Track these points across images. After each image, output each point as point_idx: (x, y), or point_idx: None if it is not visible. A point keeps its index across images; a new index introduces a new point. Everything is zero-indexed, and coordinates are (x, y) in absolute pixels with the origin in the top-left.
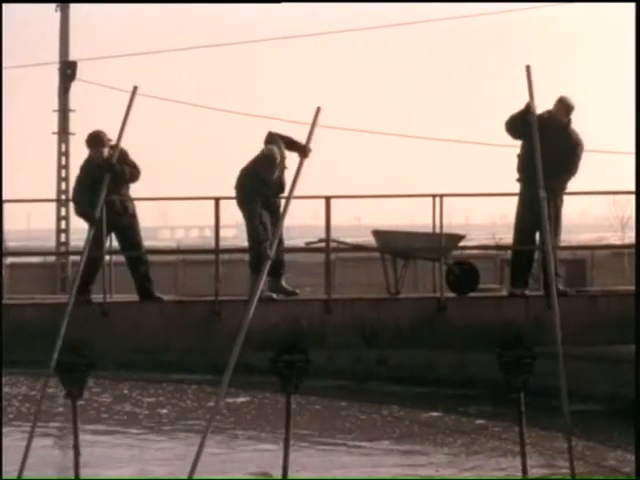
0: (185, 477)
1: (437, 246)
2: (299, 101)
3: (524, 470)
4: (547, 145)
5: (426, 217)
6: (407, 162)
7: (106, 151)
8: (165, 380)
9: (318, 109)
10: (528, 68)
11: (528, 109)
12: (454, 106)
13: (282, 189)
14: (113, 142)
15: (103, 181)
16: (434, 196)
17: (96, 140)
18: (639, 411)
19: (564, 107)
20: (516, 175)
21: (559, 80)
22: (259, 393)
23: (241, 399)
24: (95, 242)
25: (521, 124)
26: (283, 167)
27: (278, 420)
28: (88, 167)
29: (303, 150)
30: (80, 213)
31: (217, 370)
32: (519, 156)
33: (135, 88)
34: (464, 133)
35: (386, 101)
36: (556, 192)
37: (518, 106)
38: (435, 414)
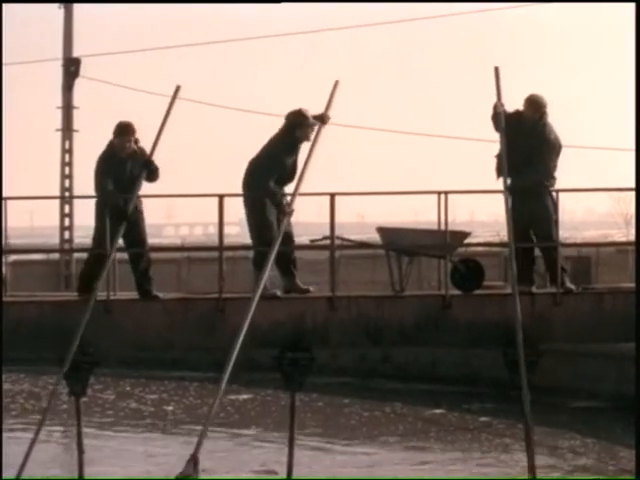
0: (189, 477)
1: (442, 243)
2: (303, 98)
3: (531, 469)
4: (520, 143)
5: (430, 214)
6: (410, 159)
7: (132, 144)
8: (166, 377)
9: (336, 82)
10: (497, 69)
11: (494, 109)
12: (457, 102)
13: (295, 172)
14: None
15: (130, 176)
16: (439, 193)
17: (127, 130)
18: (639, 410)
19: (532, 105)
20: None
21: (552, 77)
22: (262, 390)
23: (244, 396)
24: (100, 239)
25: (496, 123)
26: (309, 139)
27: (281, 417)
28: (110, 158)
29: (322, 118)
30: (111, 208)
31: (221, 368)
32: (498, 157)
33: (178, 88)
34: (467, 130)
35: (389, 98)
36: (533, 189)
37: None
38: (438, 411)
